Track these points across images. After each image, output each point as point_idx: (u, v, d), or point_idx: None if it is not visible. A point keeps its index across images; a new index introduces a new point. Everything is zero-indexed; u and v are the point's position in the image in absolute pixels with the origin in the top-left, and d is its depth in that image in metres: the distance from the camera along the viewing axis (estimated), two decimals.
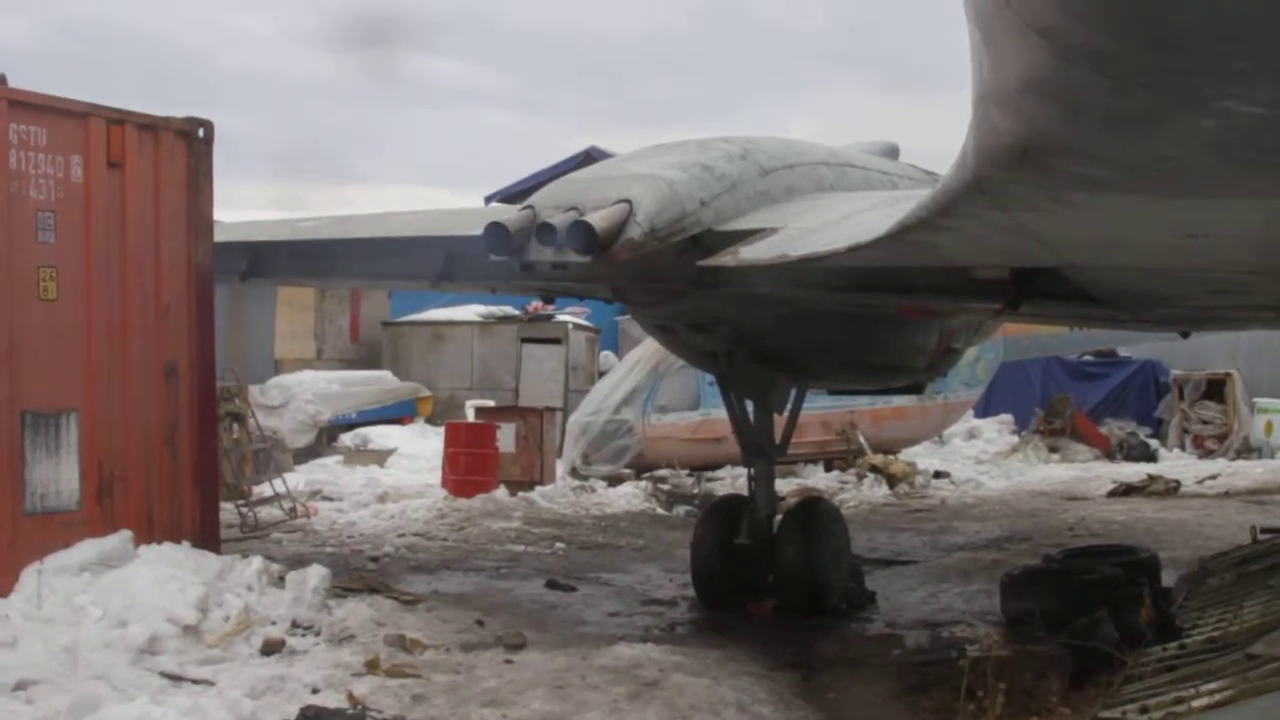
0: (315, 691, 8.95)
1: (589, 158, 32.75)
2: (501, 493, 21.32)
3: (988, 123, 4.67)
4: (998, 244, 7.55)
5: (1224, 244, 6.64)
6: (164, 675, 9.10)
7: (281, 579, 11.21)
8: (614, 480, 23.64)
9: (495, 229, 10.15)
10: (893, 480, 25.15)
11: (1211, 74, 3.37)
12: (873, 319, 13.18)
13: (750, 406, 13.82)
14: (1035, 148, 4.63)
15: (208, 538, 11.87)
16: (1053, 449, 31.88)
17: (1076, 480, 27.32)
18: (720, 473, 24.49)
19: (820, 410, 24.24)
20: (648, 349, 24.24)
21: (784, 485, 21.66)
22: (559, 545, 17.74)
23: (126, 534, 10.85)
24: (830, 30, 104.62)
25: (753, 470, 13.87)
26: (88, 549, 10.51)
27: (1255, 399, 32.87)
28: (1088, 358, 35.64)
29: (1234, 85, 3.45)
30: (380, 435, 28.07)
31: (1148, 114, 3.87)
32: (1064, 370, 35.61)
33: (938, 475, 26.91)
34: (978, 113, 4.71)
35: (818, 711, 9.60)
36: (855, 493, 24.32)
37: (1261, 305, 10.43)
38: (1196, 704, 7.11)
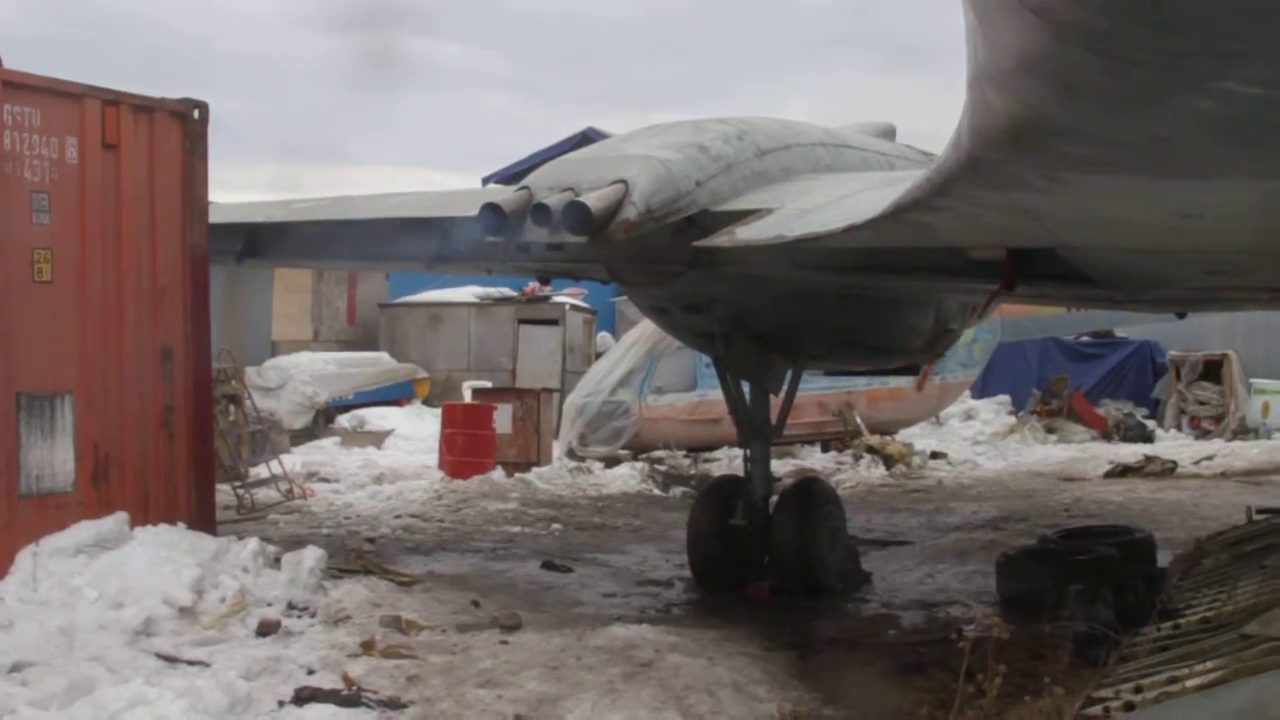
0: (311, 673, 8.95)
1: (586, 139, 32.72)
2: (498, 474, 21.32)
3: (983, 103, 4.66)
4: (994, 224, 7.53)
5: (1220, 225, 6.63)
6: (159, 656, 9.09)
7: (277, 560, 11.21)
8: (611, 461, 23.65)
9: (490, 210, 10.12)
10: (889, 461, 25.18)
11: (1207, 54, 3.36)
12: (869, 300, 13.17)
13: (746, 387, 13.81)
14: (1030, 127, 4.62)
15: (203, 519, 11.87)
16: (1050, 430, 31.91)
17: (1073, 461, 27.34)
18: (717, 454, 24.50)
19: (817, 391, 24.25)
20: (644, 330, 24.24)
21: (781, 466, 21.68)
22: (555, 526, 17.76)
23: (122, 516, 10.84)
24: (828, 11, 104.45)
25: (749, 451, 13.86)
26: (83, 531, 10.50)
27: (1252, 380, 32.90)
28: (1085, 338, 35.66)
29: (1230, 65, 3.44)
30: (377, 416, 28.06)
31: (1143, 94, 3.86)
32: (1061, 351, 35.63)
33: (934, 456, 26.91)
34: (973, 93, 4.70)
35: (813, 692, 9.61)
36: (852, 473, 24.34)
37: (1259, 286, 10.42)
38: (1190, 684, 7.11)
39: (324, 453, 24.83)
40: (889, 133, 14.00)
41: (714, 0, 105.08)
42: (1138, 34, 3.26)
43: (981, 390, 33.93)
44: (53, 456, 10.80)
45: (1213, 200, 5.80)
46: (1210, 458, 26.94)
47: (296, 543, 12.38)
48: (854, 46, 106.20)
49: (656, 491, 21.83)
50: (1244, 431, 31.67)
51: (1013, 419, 32.91)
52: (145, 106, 11.65)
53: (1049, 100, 4.16)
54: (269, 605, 10.46)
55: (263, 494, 18.90)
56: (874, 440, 26.01)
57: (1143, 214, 6.45)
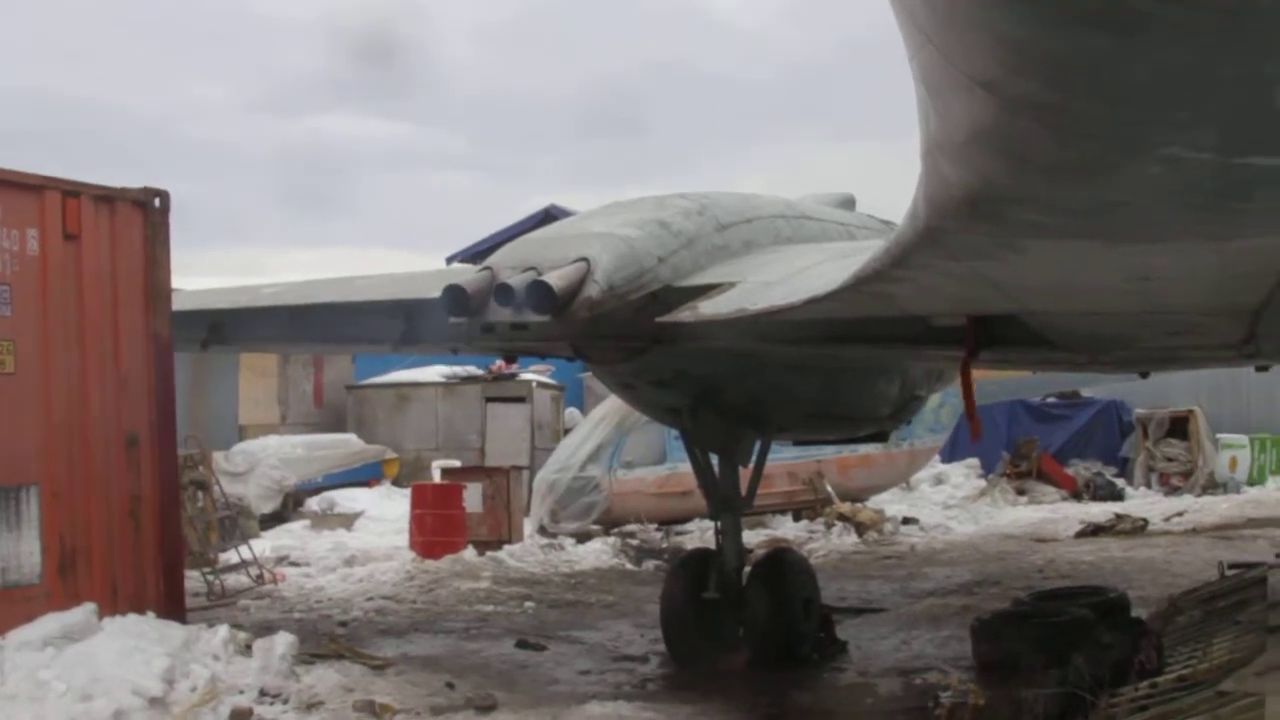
0: None
1: (549, 216, 32.86)
2: (470, 553, 21.20)
3: (937, 174, 4.71)
4: (953, 293, 7.59)
5: (1178, 286, 6.70)
6: None
7: (249, 647, 11.13)
8: (582, 537, 23.56)
9: (453, 291, 10.14)
10: (861, 528, 25.15)
11: (1153, 123, 3.41)
12: (834, 369, 13.21)
13: (715, 460, 13.80)
14: (985, 198, 4.67)
15: (173, 608, 11.78)
16: (1020, 491, 31.97)
17: (1044, 522, 27.39)
18: (688, 526, 24.42)
19: (787, 460, 24.24)
20: (612, 405, 24.22)
21: (753, 536, 21.64)
22: (528, 604, 17.66)
23: (90, 606, 10.76)
24: (781, 83, 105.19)
25: (720, 523, 13.84)
26: (50, 623, 10.41)
27: (1218, 434, 33.08)
28: (1051, 399, 35.80)
29: (1176, 133, 3.49)
30: (347, 498, 27.90)
31: (1093, 163, 3.91)
32: (1028, 413, 35.75)
33: (906, 521, 26.90)
34: (927, 165, 4.75)
35: None
36: (824, 542, 24.30)
37: (1219, 345, 10.50)
38: None
39: (294, 536, 24.65)
40: (849, 203, 14.10)
41: (668, 76, 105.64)
42: (1083, 105, 3.31)
43: (950, 454, 34.01)
44: (19, 548, 10.73)
45: (1169, 263, 5.86)
46: (1180, 514, 27.07)
47: (267, 628, 12.29)
48: (809, 116, 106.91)
49: (629, 566, 21.75)
50: (1213, 486, 31.83)
51: (983, 482, 32.96)
52: (106, 196, 11.66)
53: (1002, 171, 4.21)
54: (241, 693, 10.37)
55: (233, 580, 18.75)
56: (845, 508, 26.00)
57: (1101, 278, 6.51)
